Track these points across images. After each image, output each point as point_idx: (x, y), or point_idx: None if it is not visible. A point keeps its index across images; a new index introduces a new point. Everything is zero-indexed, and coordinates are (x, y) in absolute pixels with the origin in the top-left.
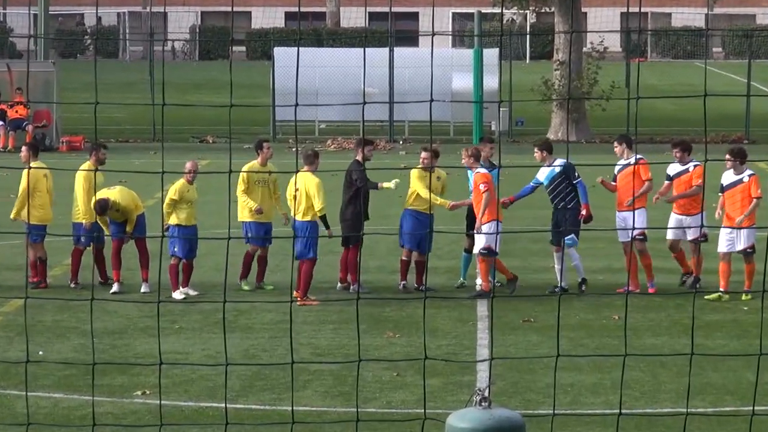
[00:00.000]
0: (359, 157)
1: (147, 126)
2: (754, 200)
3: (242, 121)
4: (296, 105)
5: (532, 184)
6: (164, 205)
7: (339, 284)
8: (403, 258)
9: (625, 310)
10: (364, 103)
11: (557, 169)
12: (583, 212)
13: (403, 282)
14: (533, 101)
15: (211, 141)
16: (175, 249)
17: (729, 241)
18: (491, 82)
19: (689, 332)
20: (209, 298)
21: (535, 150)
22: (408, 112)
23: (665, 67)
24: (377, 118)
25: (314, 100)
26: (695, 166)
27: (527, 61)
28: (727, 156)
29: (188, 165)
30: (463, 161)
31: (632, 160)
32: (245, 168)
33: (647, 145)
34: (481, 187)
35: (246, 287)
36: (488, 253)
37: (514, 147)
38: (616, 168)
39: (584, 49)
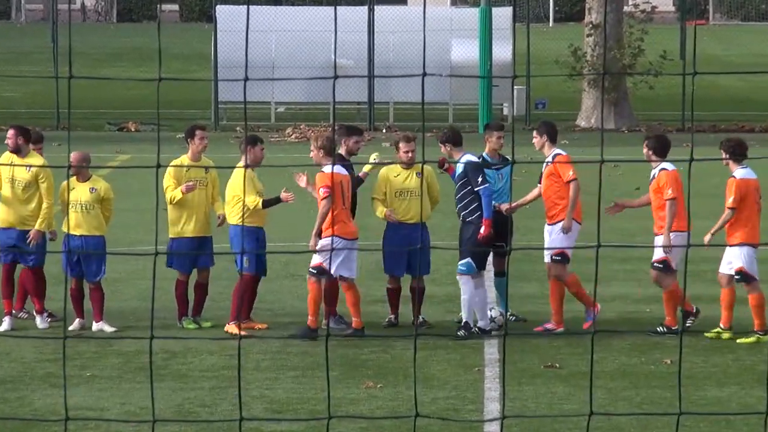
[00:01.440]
0: (343, 151)
1: (49, 109)
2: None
3: (175, 103)
4: (245, 80)
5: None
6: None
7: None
8: (389, 286)
9: (679, 352)
10: (335, 77)
11: (460, 169)
12: (482, 230)
13: (391, 316)
14: (558, 76)
15: (133, 129)
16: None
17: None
18: (503, 51)
19: (764, 381)
20: (131, 335)
21: (440, 145)
22: (393, 92)
23: (732, 32)
24: (353, 99)
25: (269, 75)
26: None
27: (550, 24)
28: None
29: (73, 156)
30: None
31: (551, 155)
32: (174, 163)
33: (707, 135)
34: (321, 191)
35: (190, 326)
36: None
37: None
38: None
39: (625, 8)
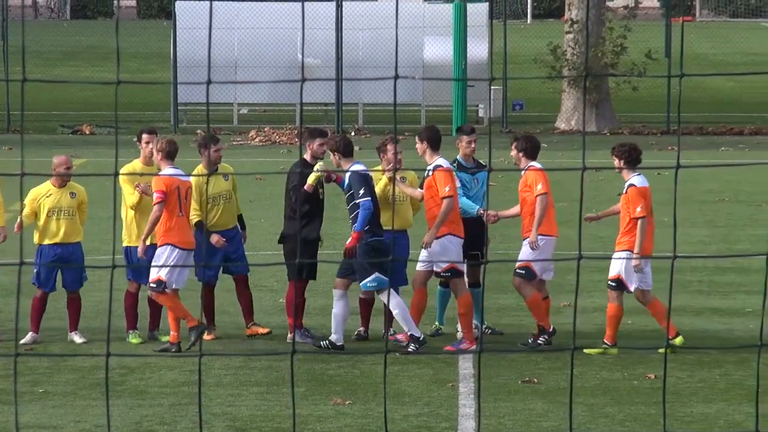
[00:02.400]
0: (308, 156)
1: None
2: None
3: (132, 105)
4: (208, 83)
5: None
6: (23, 216)
7: (289, 334)
8: (362, 296)
9: (664, 367)
10: (303, 80)
11: (347, 179)
12: (348, 242)
13: (360, 329)
14: (536, 78)
15: (88, 132)
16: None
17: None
18: (478, 49)
19: (753, 397)
20: (86, 350)
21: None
22: (363, 92)
23: (719, 29)
24: (320, 100)
25: (232, 74)
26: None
27: (529, 21)
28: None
29: (56, 160)
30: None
31: (432, 166)
32: (125, 169)
33: (695, 138)
34: (155, 196)
35: (134, 340)
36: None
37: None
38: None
39: (608, 4)
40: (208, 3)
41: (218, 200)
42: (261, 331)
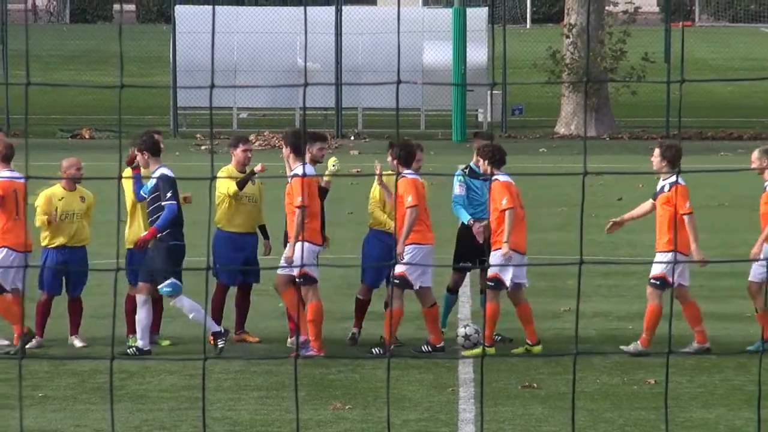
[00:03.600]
0: (307, 158)
1: None
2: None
3: (131, 109)
4: (211, 87)
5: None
6: (36, 222)
7: (289, 338)
8: (360, 297)
9: (665, 371)
10: (306, 84)
11: (152, 183)
12: (146, 233)
13: (354, 330)
14: (536, 83)
15: (87, 136)
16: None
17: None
18: (478, 54)
19: (754, 402)
20: (87, 354)
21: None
22: (362, 97)
23: (719, 34)
24: (319, 105)
25: (231, 78)
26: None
27: (528, 26)
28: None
29: (66, 162)
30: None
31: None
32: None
33: (694, 143)
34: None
35: (135, 344)
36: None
37: (511, 144)
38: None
39: (607, 9)
40: (207, 7)
41: (244, 200)
42: (250, 339)
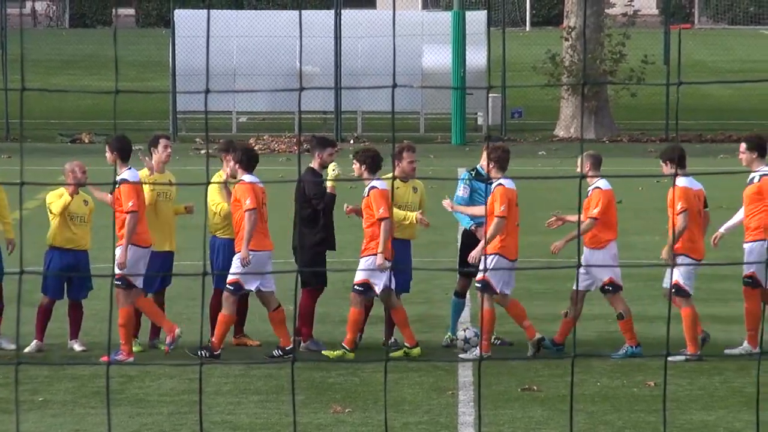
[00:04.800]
0: (315, 165)
1: None
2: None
3: (130, 113)
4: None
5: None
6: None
7: (301, 342)
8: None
9: (663, 374)
10: (302, 89)
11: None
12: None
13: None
14: (535, 86)
15: (86, 140)
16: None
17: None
18: (477, 57)
19: (753, 405)
20: (85, 359)
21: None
22: (361, 100)
23: (718, 36)
24: (319, 108)
25: (231, 82)
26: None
27: (527, 29)
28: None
29: (69, 166)
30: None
31: (120, 178)
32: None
33: (693, 145)
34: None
35: (135, 348)
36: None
37: (510, 147)
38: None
39: (606, 12)
40: (206, 11)
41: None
42: (250, 342)
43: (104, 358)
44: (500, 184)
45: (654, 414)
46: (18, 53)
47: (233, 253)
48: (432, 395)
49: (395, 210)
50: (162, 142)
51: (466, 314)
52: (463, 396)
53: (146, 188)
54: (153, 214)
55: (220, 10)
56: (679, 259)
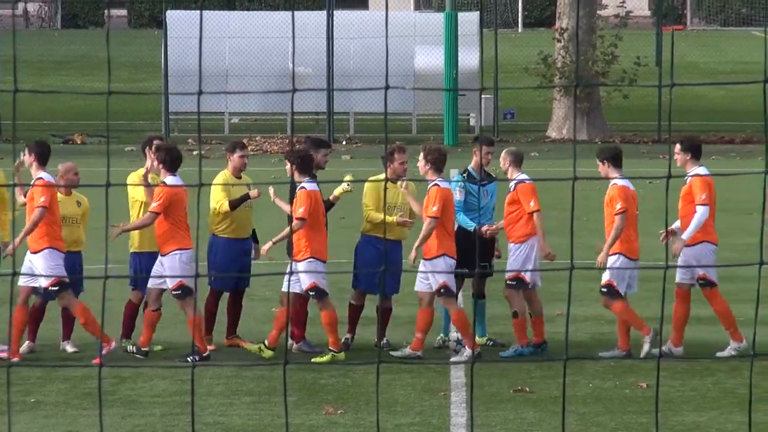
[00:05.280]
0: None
1: None
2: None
3: (123, 114)
4: (199, 93)
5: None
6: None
7: (294, 344)
8: (353, 302)
9: (656, 375)
10: (294, 90)
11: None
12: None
13: (347, 336)
14: (528, 88)
15: (79, 141)
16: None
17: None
18: (469, 58)
19: (746, 406)
20: (77, 360)
21: None
22: (354, 101)
23: (711, 38)
24: (311, 109)
25: (223, 83)
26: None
27: (520, 30)
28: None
29: (63, 167)
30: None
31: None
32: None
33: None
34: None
35: (157, 348)
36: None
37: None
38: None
39: (599, 13)
40: (199, 12)
41: (242, 207)
42: (242, 343)
43: (96, 361)
44: (435, 185)
45: (646, 415)
46: (10, 54)
47: (232, 253)
48: (424, 396)
49: (373, 212)
50: (156, 143)
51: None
52: (456, 397)
53: (142, 190)
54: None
55: (212, 11)
56: (616, 259)
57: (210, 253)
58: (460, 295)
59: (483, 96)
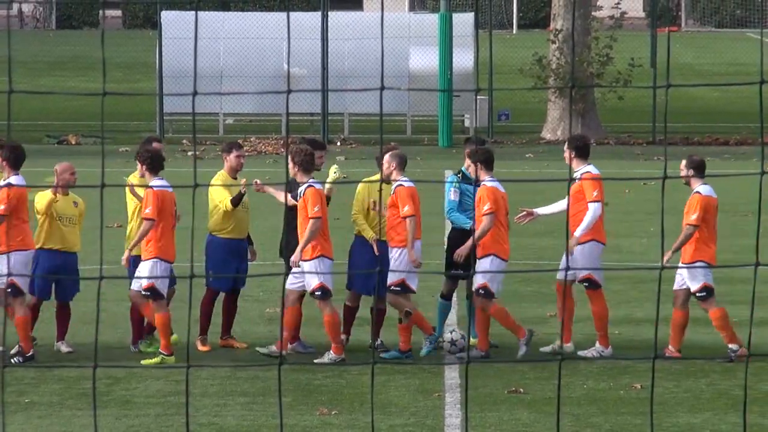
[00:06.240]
0: None
1: None
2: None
3: (118, 115)
4: (194, 94)
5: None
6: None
7: (289, 344)
8: (347, 304)
9: (651, 376)
10: (289, 91)
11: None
12: None
13: (343, 336)
14: (522, 89)
15: (74, 142)
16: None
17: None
18: (464, 59)
19: (740, 407)
20: (73, 361)
21: None
22: (348, 102)
23: (705, 39)
24: (306, 110)
25: (218, 84)
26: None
27: (514, 31)
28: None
29: (60, 167)
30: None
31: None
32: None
33: (679, 148)
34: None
35: (149, 348)
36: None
37: (497, 150)
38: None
39: (593, 14)
40: (194, 13)
41: (240, 208)
42: (236, 344)
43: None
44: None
45: (640, 416)
46: (5, 55)
47: (229, 253)
48: (418, 397)
49: (360, 218)
50: (156, 145)
51: (453, 317)
52: (450, 398)
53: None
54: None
55: (207, 12)
56: (488, 260)
57: (208, 252)
58: (454, 296)
59: (478, 97)
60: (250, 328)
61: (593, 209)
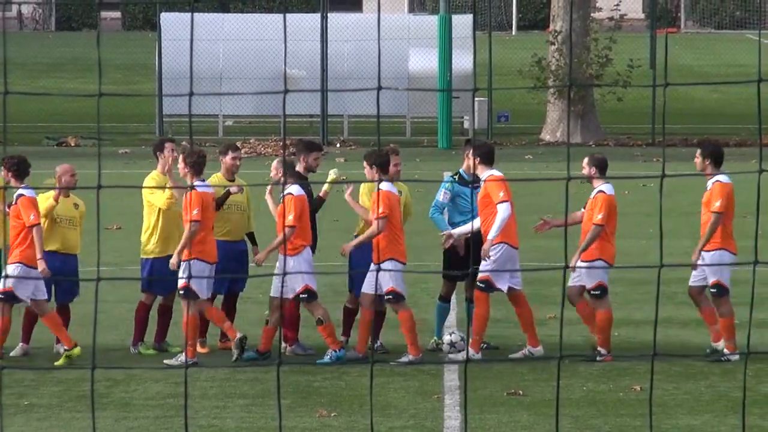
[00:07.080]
0: (301, 169)
1: None
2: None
3: (117, 116)
4: (191, 94)
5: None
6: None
7: (288, 346)
8: (348, 305)
9: (650, 378)
10: (285, 91)
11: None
12: None
13: (342, 338)
14: (521, 89)
15: (73, 143)
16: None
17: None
18: (463, 61)
19: (739, 409)
20: (72, 362)
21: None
22: (348, 104)
23: (704, 40)
24: (305, 112)
25: (217, 86)
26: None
27: (514, 33)
28: None
29: (60, 169)
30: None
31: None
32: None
33: (679, 149)
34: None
35: (148, 351)
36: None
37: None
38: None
39: (593, 16)
40: (190, 15)
41: (232, 209)
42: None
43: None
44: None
45: (640, 418)
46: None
47: (225, 255)
48: (418, 399)
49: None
50: (167, 146)
51: (452, 319)
52: (449, 400)
53: (161, 193)
54: (165, 219)
55: (206, 14)
56: (389, 264)
57: None
58: (453, 297)
59: (477, 98)
60: (250, 330)
61: (502, 210)
